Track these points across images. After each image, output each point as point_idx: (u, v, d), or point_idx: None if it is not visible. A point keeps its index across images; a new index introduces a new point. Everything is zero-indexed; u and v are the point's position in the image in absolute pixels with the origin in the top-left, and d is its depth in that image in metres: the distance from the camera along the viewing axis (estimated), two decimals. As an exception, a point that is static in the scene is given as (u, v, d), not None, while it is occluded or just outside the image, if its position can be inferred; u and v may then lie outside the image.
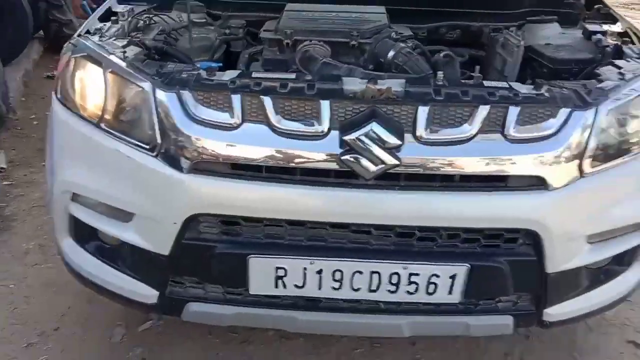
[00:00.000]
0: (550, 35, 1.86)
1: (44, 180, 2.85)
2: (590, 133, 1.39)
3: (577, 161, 1.39)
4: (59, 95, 1.57)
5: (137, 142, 1.42)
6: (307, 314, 1.55)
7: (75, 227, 1.60)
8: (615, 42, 1.73)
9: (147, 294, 1.55)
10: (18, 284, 2.24)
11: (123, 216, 1.48)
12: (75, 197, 1.54)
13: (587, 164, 1.41)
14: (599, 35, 1.78)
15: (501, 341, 2.03)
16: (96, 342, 1.97)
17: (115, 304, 1.79)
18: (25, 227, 2.59)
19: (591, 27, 1.85)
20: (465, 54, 1.90)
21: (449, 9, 1.99)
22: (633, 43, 1.76)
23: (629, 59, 1.62)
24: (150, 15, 1.83)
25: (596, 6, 2.03)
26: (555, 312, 1.60)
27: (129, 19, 1.76)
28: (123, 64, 1.45)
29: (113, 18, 1.76)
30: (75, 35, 1.66)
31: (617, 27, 1.85)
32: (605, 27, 1.85)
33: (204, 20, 1.91)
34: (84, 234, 1.61)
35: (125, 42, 1.59)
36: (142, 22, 1.77)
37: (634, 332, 2.12)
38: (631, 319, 2.18)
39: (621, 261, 1.66)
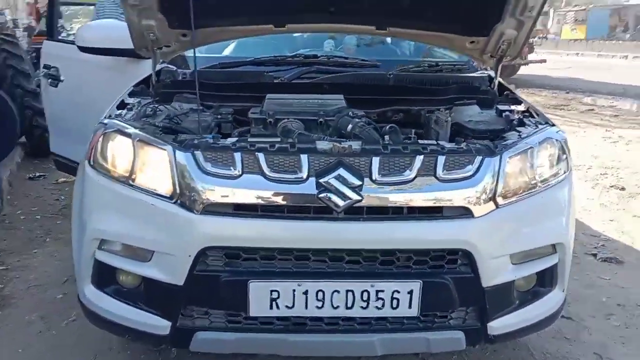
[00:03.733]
0: (472, 114, 2.39)
1: (37, 265, 3.16)
2: (498, 174, 1.86)
3: (491, 195, 1.85)
4: (91, 163, 1.95)
5: (159, 193, 1.81)
6: (297, 336, 1.87)
7: (98, 273, 1.93)
8: (519, 117, 2.27)
9: (161, 325, 1.86)
10: (26, 348, 2.44)
11: (144, 256, 1.83)
12: (101, 245, 1.88)
13: (499, 197, 1.86)
14: (507, 113, 2.32)
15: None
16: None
17: (118, 355, 2.01)
18: (25, 303, 2.81)
19: (502, 107, 2.40)
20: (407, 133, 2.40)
21: (394, 97, 2.50)
22: (532, 117, 2.31)
23: (527, 127, 2.14)
24: (156, 105, 2.26)
25: (505, 92, 2.61)
26: (497, 325, 1.96)
27: (139, 108, 2.20)
28: (147, 135, 1.88)
29: (128, 107, 2.20)
30: (102, 118, 2.08)
31: (521, 107, 2.41)
32: (513, 107, 2.40)
33: (201, 108, 2.36)
34: (105, 278, 1.93)
35: (142, 122, 2.02)
36: (150, 110, 2.20)
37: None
38: (570, 352, 2.53)
39: (544, 283, 2.07)
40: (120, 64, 3.03)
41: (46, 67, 3.69)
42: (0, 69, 5.10)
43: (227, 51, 3.16)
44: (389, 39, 3.36)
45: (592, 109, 10.31)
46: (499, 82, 2.67)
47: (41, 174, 4.91)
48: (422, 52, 3.43)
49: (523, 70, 15.74)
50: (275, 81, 2.57)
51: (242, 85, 2.48)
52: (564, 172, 2.05)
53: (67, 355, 2.38)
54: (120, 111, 2.15)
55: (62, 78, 3.59)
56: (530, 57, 15.60)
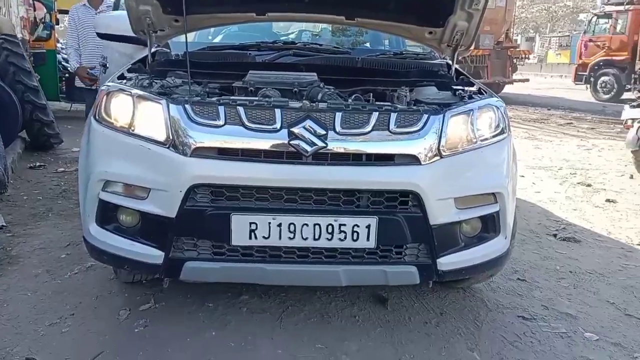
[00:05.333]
0: (430, 94, 2.74)
1: (41, 233, 3.47)
2: (441, 129, 2.21)
3: (436, 147, 2.19)
4: (96, 118, 2.28)
5: (155, 139, 2.14)
6: (273, 266, 2.18)
7: (102, 212, 2.24)
8: (469, 93, 2.62)
9: (155, 255, 2.17)
10: (33, 293, 2.74)
11: (141, 194, 2.15)
12: (105, 186, 2.20)
13: (443, 149, 2.21)
14: (460, 91, 2.67)
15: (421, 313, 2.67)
16: (106, 319, 2.50)
17: (114, 299, 2.36)
18: (32, 262, 3.11)
19: (456, 87, 2.75)
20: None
21: (362, 78, 2.85)
22: (481, 94, 2.66)
23: (474, 100, 2.49)
24: (152, 79, 2.57)
25: (460, 77, 2.98)
26: (446, 262, 2.28)
27: (136, 80, 2.52)
28: (145, 92, 2.22)
29: (127, 78, 2.54)
30: (105, 84, 2.42)
31: (473, 88, 2.76)
32: (467, 88, 2.76)
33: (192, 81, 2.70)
34: (107, 217, 2.25)
35: (140, 87, 2.36)
36: (146, 82, 2.50)
37: (522, 311, 2.80)
38: (521, 304, 2.86)
39: (488, 229, 2.40)
40: (137, 51, 3.40)
41: (102, 57, 4.59)
42: (2, 65, 5.42)
43: (216, 40, 3.54)
44: (366, 36, 3.75)
45: (571, 123, 10.77)
46: (456, 70, 3.04)
47: (41, 164, 5.21)
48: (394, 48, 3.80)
49: (508, 89, 16.31)
50: (257, 61, 2.93)
51: (227, 64, 2.83)
52: (503, 134, 2.40)
53: (71, 297, 2.68)
54: (120, 80, 2.49)
55: (108, 65, 4.33)
56: (515, 76, 16.16)
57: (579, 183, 5.65)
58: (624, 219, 4.51)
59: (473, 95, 2.58)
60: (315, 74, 2.68)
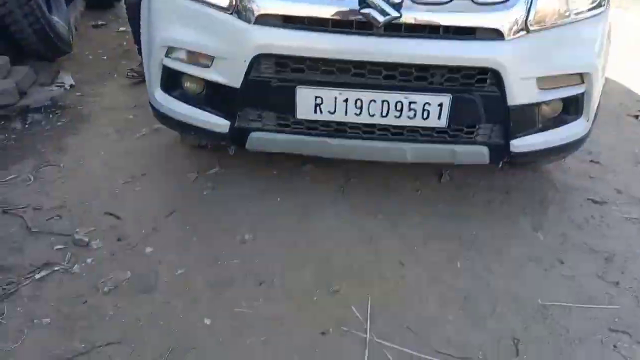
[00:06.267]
0: None
1: (109, 92, 3.52)
2: (532, 1, 1.94)
3: (523, 20, 1.95)
4: None
5: (218, 4, 2.01)
6: (337, 140, 2.13)
7: (166, 78, 2.21)
8: None
9: (222, 123, 2.15)
10: (105, 152, 2.86)
11: (205, 62, 2.08)
12: (169, 52, 2.14)
13: (531, 23, 1.96)
14: None
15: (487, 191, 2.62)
16: (176, 181, 2.61)
17: (182, 161, 2.44)
18: (102, 121, 3.21)
19: None
20: None
21: None
22: None
23: None
24: None
25: None
26: (520, 144, 2.16)
27: None
28: None
29: None
30: None
31: None
32: None
33: None
34: (172, 83, 2.22)
35: None
36: None
37: (593, 194, 2.69)
38: (592, 187, 2.74)
39: (569, 111, 2.23)
40: None
41: None
42: None
43: None
44: None
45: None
46: None
47: (103, 22, 5.15)
48: None
49: None
50: None
51: None
52: (601, 7, 2.11)
53: (141, 158, 2.79)
54: None
55: None
56: None
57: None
58: None
59: None
60: None
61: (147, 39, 2.25)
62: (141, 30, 2.35)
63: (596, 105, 2.27)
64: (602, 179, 2.83)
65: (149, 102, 2.36)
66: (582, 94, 2.17)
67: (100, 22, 5.17)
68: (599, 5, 2.11)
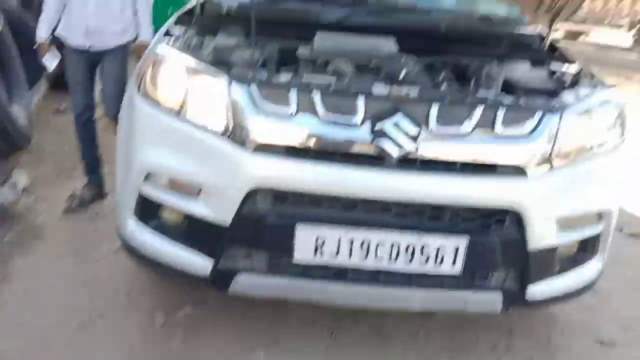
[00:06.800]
0: (523, 71, 2.30)
1: (67, 194, 3.13)
2: (557, 133, 1.82)
3: (547, 155, 1.81)
4: (141, 92, 1.92)
5: (211, 127, 1.77)
6: (337, 285, 1.85)
7: (142, 207, 1.91)
8: (572, 76, 2.19)
9: (202, 264, 1.85)
10: (59, 280, 2.46)
11: (191, 192, 1.81)
12: (147, 178, 1.86)
13: (555, 158, 1.83)
14: (560, 72, 2.24)
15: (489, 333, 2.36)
16: (139, 327, 2.20)
17: (147, 297, 2.07)
18: (58, 236, 2.83)
19: (554, 66, 2.30)
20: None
21: (445, 47, 2.37)
22: (586, 78, 2.24)
23: (583, 87, 2.08)
24: (202, 37, 2.17)
25: (558, 51, 2.52)
26: (536, 290, 1.95)
27: (185, 38, 2.11)
28: (202, 64, 1.84)
29: (174, 36, 2.12)
30: (151, 45, 2.03)
31: (574, 66, 2.29)
32: (565, 65, 2.30)
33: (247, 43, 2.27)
34: (148, 213, 1.92)
35: (192, 52, 1.96)
36: (196, 41, 2.11)
37: (601, 334, 2.47)
38: (596, 324, 2.54)
39: (586, 251, 2.06)
40: None
41: None
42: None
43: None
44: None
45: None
46: (551, 41, 2.57)
47: (66, 105, 4.80)
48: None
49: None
50: (324, 21, 2.48)
51: (289, 22, 2.40)
52: (620, 138, 2.02)
53: (101, 290, 2.39)
54: (167, 38, 2.09)
55: None
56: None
57: None
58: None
59: (580, 82, 2.15)
60: (393, 40, 2.25)
61: (124, 161, 1.98)
62: (117, 149, 2.07)
63: (609, 242, 2.12)
64: (605, 312, 2.64)
65: (118, 232, 2.04)
66: (600, 233, 2.02)
67: (63, 106, 4.81)
68: (620, 136, 2.02)
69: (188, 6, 2.53)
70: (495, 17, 2.84)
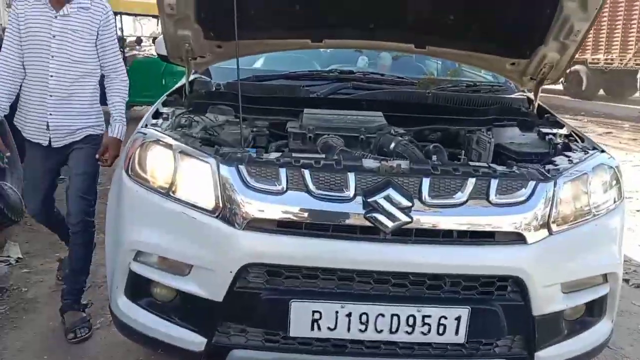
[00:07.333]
0: (513, 136, 2.32)
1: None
2: (553, 200, 1.79)
3: (545, 221, 1.78)
4: (130, 173, 1.90)
5: (201, 206, 1.75)
6: (336, 359, 1.79)
7: (132, 285, 1.87)
8: (563, 140, 2.20)
9: (195, 341, 1.79)
10: (51, 356, 2.38)
11: (181, 270, 1.77)
12: (137, 256, 1.82)
13: (553, 224, 1.79)
14: (550, 136, 2.25)
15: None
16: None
17: None
18: (49, 310, 2.74)
19: (544, 130, 2.32)
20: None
21: (433, 116, 2.43)
22: (576, 141, 2.23)
23: (574, 151, 2.07)
24: (191, 116, 2.19)
25: (546, 115, 2.54)
26: (544, 355, 1.87)
27: (174, 118, 2.14)
28: (190, 147, 1.83)
29: (163, 116, 2.15)
30: (139, 127, 2.03)
31: (564, 130, 2.32)
32: (555, 130, 2.32)
33: (236, 120, 2.31)
34: (139, 290, 1.87)
35: (181, 133, 1.97)
36: (185, 120, 2.13)
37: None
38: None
39: (593, 313, 1.99)
40: None
41: None
42: None
43: (257, 65, 3.11)
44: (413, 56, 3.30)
45: (610, 132, 10.20)
46: (539, 105, 2.61)
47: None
48: (449, 70, 3.35)
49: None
50: (311, 96, 2.51)
51: (277, 98, 2.43)
52: (617, 199, 1.99)
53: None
54: (155, 120, 2.10)
55: None
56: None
57: (637, 210, 5.18)
58: (695, 257, 4.05)
59: (571, 145, 2.15)
60: (381, 113, 2.27)
61: (113, 239, 1.94)
62: (106, 227, 2.04)
63: (617, 302, 2.05)
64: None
65: (110, 309, 1.98)
66: (607, 294, 1.96)
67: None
68: (617, 198, 1.99)
69: (177, 85, 2.55)
70: (483, 84, 2.89)
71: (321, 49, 3.15)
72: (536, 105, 2.59)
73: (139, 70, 7.71)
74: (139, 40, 10.30)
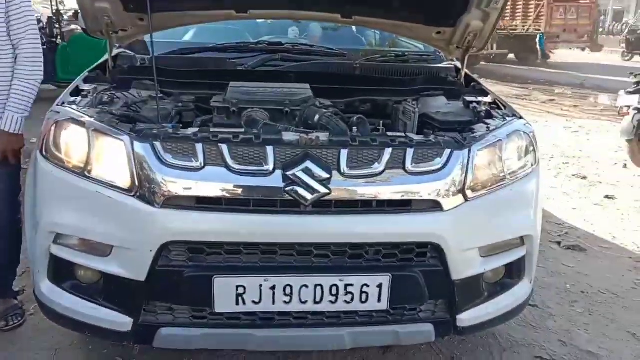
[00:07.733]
0: (439, 105, 2.36)
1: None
2: (467, 167, 1.84)
3: (460, 188, 1.83)
4: (44, 153, 1.85)
5: (117, 185, 1.72)
6: (263, 331, 1.82)
7: (55, 268, 1.83)
8: (486, 109, 2.25)
9: (122, 321, 1.78)
10: None
11: (102, 250, 1.74)
12: (57, 239, 1.79)
13: (468, 191, 1.85)
14: (474, 104, 2.30)
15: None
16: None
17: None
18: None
19: (469, 98, 2.37)
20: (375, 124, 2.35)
21: (361, 87, 2.45)
22: (499, 109, 2.30)
23: (495, 119, 2.13)
24: (113, 92, 2.14)
25: (472, 84, 2.60)
26: (466, 317, 1.95)
27: (95, 95, 2.09)
28: (103, 124, 1.78)
29: (83, 93, 2.09)
30: (54, 105, 1.97)
31: (488, 99, 2.39)
32: (480, 98, 2.38)
33: (160, 95, 2.25)
34: (62, 274, 1.84)
35: (98, 110, 1.92)
36: (106, 97, 2.08)
37: (540, 350, 2.51)
38: (536, 339, 2.58)
39: (513, 275, 2.08)
40: None
41: None
42: None
43: (187, 37, 3.05)
44: (354, 27, 3.31)
45: (553, 99, 10.51)
46: (465, 74, 2.66)
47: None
48: (388, 41, 3.38)
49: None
50: (238, 68, 2.49)
51: (203, 72, 2.39)
52: (532, 165, 2.06)
53: (26, 351, 2.26)
54: (74, 98, 2.04)
55: None
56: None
57: (573, 175, 5.40)
58: (625, 219, 4.29)
59: (492, 113, 2.21)
60: (308, 85, 2.27)
61: (32, 223, 1.89)
62: (25, 210, 1.98)
63: (536, 263, 2.15)
64: (544, 328, 2.68)
65: (34, 294, 1.94)
66: (524, 256, 2.04)
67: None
68: (532, 163, 2.06)
69: (100, 61, 2.47)
70: (411, 54, 2.92)
71: (255, 20, 3.12)
72: (463, 74, 2.63)
73: (78, 45, 7.40)
74: (76, 14, 9.86)
